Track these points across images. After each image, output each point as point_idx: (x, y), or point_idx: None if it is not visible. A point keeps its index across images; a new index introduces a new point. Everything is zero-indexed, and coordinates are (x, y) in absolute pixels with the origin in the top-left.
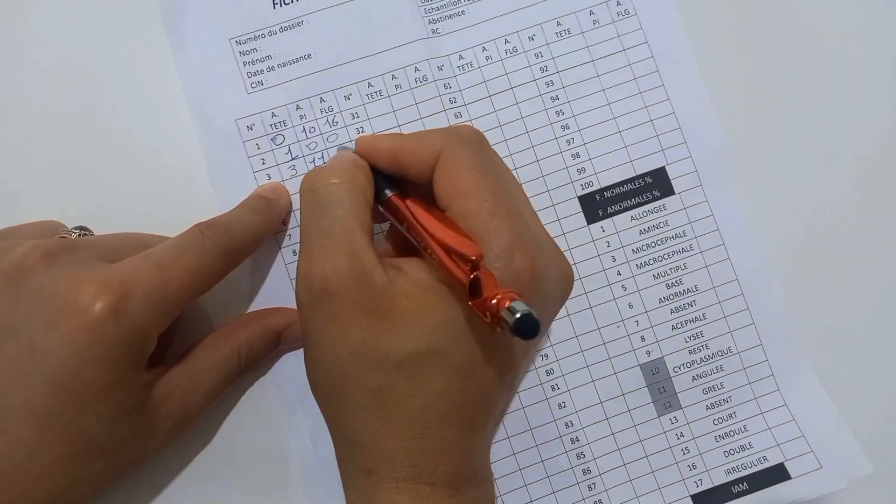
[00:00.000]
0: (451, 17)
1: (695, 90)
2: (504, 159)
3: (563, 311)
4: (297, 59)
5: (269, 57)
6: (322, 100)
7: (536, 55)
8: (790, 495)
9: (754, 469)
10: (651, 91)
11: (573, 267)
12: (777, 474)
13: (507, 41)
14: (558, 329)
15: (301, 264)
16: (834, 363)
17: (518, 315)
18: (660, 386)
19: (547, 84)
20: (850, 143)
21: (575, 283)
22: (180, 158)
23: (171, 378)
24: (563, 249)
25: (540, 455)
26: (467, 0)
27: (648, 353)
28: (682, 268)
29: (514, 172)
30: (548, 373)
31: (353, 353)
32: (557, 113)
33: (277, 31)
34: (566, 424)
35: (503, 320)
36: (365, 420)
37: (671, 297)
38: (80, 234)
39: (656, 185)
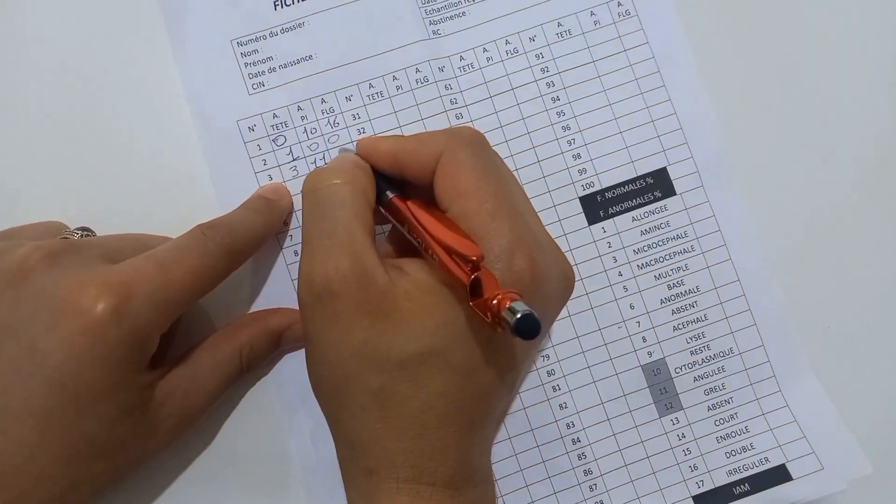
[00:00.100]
0: (451, 18)
1: (694, 91)
2: (505, 160)
3: (564, 312)
4: (298, 60)
5: (270, 58)
6: (323, 101)
7: (537, 56)
8: (792, 496)
9: (756, 470)
10: (652, 92)
11: (574, 268)
12: (779, 475)
13: (507, 42)
14: (559, 330)
15: (303, 265)
16: (833, 364)
17: (519, 315)
18: (661, 387)
19: (548, 85)
20: (850, 144)
21: (576, 283)
22: (181, 159)
23: (172, 379)
24: (564, 250)
25: (541, 456)
26: (468, 1)
27: (650, 353)
28: (684, 269)
29: (515, 173)
30: (549, 374)
31: (355, 353)
32: (558, 114)
33: (279, 32)
34: (567, 425)
35: (504, 320)
36: (366, 421)
37: (672, 297)
38: (82, 235)
39: (658, 185)
